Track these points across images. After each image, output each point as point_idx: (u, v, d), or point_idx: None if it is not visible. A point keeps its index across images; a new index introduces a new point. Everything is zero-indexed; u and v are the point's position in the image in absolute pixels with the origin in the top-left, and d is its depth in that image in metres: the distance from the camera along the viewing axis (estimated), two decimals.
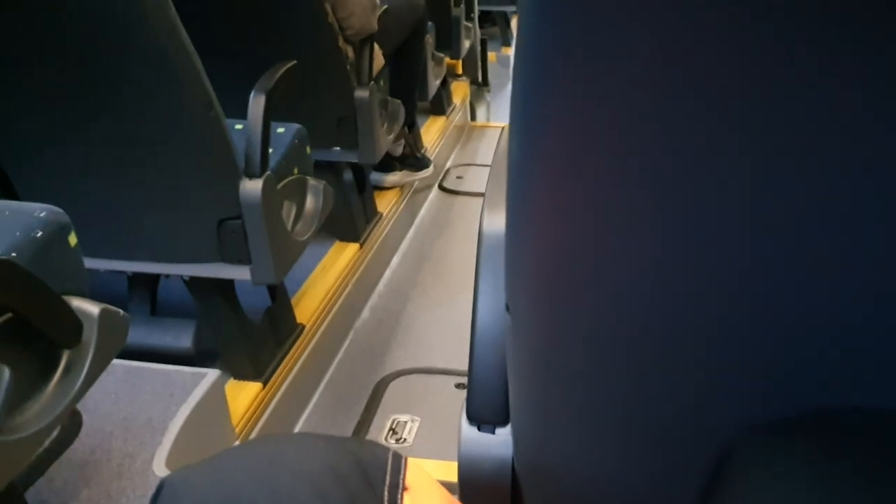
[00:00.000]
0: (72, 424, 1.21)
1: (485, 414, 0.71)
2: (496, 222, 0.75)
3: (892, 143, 0.37)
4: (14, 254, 0.87)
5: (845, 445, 0.45)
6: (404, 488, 0.49)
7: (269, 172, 1.43)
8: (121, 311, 1.00)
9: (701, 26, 0.36)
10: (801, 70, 0.36)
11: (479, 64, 3.84)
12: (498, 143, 0.92)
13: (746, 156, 0.39)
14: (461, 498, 0.71)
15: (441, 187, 2.98)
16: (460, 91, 3.57)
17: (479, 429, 0.71)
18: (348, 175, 2.24)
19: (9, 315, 0.85)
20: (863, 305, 0.43)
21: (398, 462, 0.50)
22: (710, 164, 0.40)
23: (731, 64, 0.37)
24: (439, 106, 3.24)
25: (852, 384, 0.45)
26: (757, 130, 0.38)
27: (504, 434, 0.69)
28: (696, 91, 0.38)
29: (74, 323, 0.92)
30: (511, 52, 4.49)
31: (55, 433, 0.94)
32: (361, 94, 2.02)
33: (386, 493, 0.48)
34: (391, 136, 2.27)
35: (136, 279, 1.66)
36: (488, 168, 0.89)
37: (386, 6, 2.14)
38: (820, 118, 0.37)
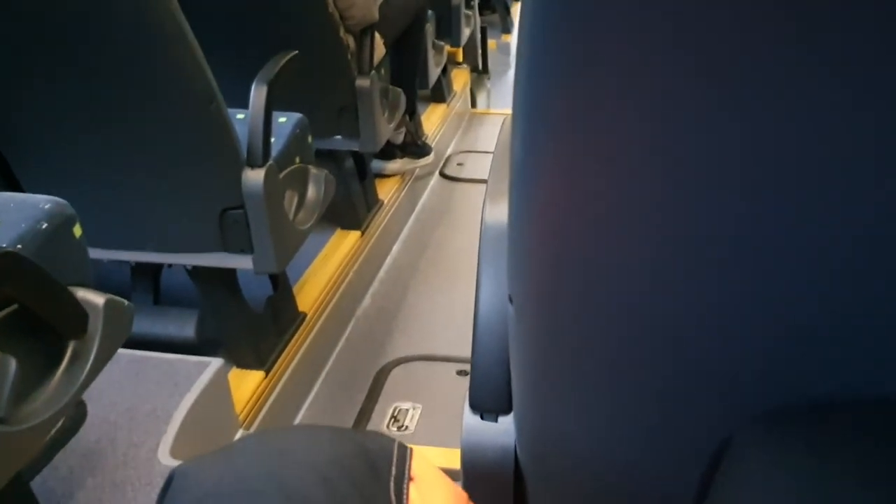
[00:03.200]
0: (76, 414, 1.22)
1: (487, 402, 0.71)
2: (498, 213, 0.76)
3: (893, 140, 0.37)
4: (20, 245, 0.88)
5: (844, 435, 0.46)
6: (410, 478, 0.49)
7: (271, 162, 1.43)
8: (125, 302, 1.00)
9: (707, 22, 0.36)
10: (802, 70, 0.36)
11: (480, 52, 3.83)
12: (500, 133, 0.92)
13: (747, 151, 0.39)
14: (464, 486, 0.72)
15: (442, 174, 2.98)
16: (461, 79, 3.56)
17: (481, 417, 0.71)
18: (349, 163, 2.24)
19: (15, 306, 0.86)
20: (862, 297, 0.43)
21: (404, 452, 0.51)
22: (711, 156, 0.40)
23: (735, 61, 0.37)
24: (440, 93, 3.24)
25: (853, 374, 0.46)
26: (758, 127, 0.38)
27: (507, 422, 0.70)
28: (699, 84, 0.38)
29: (80, 314, 0.93)
30: (511, 39, 4.48)
31: (60, 423, 0.95)
32: (362, 83, 2.02)
33: (392, 483, 0.49)
34: (392, 125, 2.27)
35: (139, 269, 1.66)
36: (489, 155, 0.89)
37: None
38: (820, 119, 0.37)
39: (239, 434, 1.52)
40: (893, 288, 0.42)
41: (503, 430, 0.70)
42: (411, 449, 0.52)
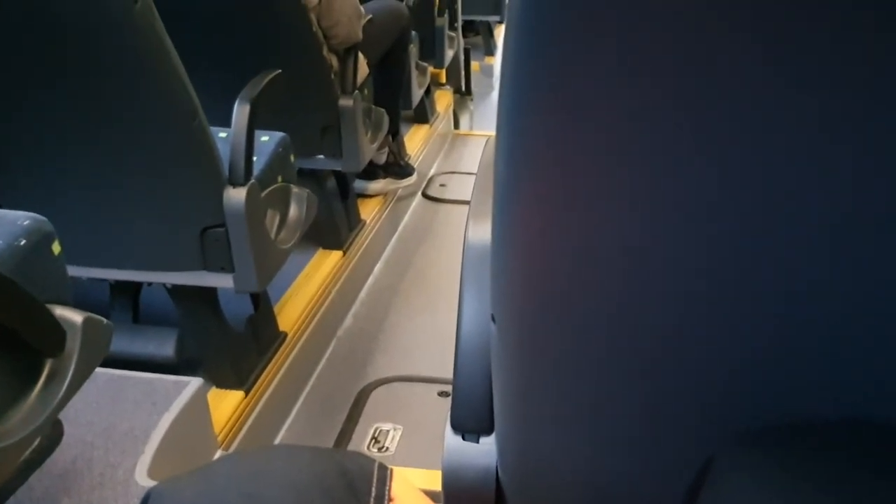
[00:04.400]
0: (52, 433, 1.20)
1: (469, 423, 0.71)
2: (481, 232, 0.76)
3: (886, 149, 0.37)
4: None
5: (821, 455, 0.46)
6: (390, 499, 0.49)
7: (253, 180, 1.43)
8: (104, 320, 0.99)
9: (687, 51, 0.37)
10: (791, 73, 0.36)
11: (463, 73, 3.86)
12: (483, 153, 0.93)
13: (721, 180, 0.40)
14: None
15: (424, 195, 2.99)
16: (444, 100, 3.58)
17: (463, 438, 0.71)
18: (332, 183, 2.24)
19: None
20: (834, 320, 0.44)
21: (384, 473, 0.50)
22: (689, 186, 0.41)
23: (713, 96, 0.37)
24: (423, 114, 3.25)
25: (839, 396, 0.46)
26: (731, 161, 0.39)
27: (488, 443, 0.70)
28: (677, 114, 0.39)
29: (58, 332, 0.92)
30: (494, 61, 4.51)
31: (36, 442, 0.93)
32: (346, 102, 2.03)
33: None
34: (375, 145, 2.28)
35: (118, 287, 1.65)
36: (471, 176, 0.89)
37: (370, 16, 2.14)
38: (809, 124, 0.37)
39: (218, 455, 1.50)
40: (865, 310, 0.42)
41: (485, 450, 0.70)
42: (391, 470, 0.51)
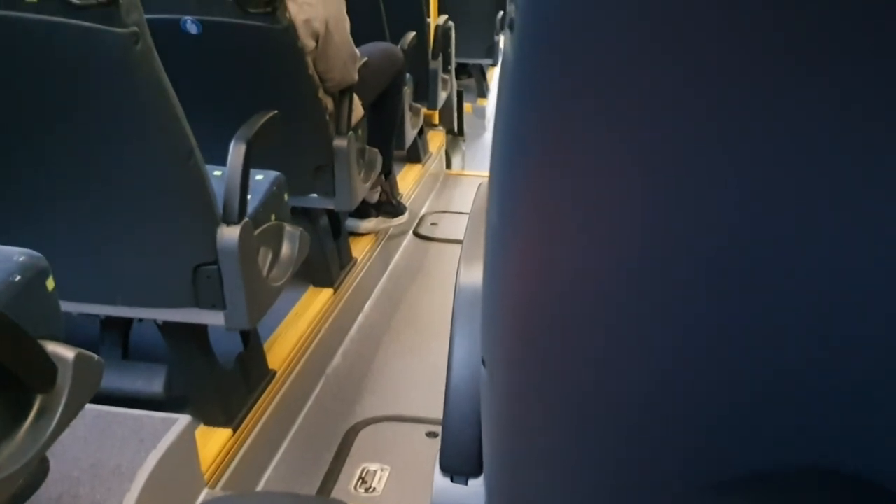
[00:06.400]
0: (39, 469, 1.20)
1: (458, 465, 0.72)
2: (472, 276, 0.77)
3: (882, 162, 0.38)
4: None
5: None
6: None
7: (246, 219, 1.44)
8: (95, 357, 0.99)
9: (672, 104, 0.38)
10: (787, 79, 0.37)
11: (456, 114, 3.91)
12: (475, 198, 0.95)
13: (716, 225, 0.41)
14: None
15: (416, 233, 3.00)
16: (436, 140, 3.62)
17: (452, 479, 0.72)
18: (324, 221, 2.25)
19: None
20: (823, 370, 0.45)
21: None
22: (677, 231, 0.42)
23: (702, 134, 0.39)
24: (416, 154, 3.29)
25: (809, 446, 0.47)
26: (727, 199, 0.40)
27: (477, 485, 0.70)
28: (664, 159, 0.40)
29: (49, 368, 0.92)
30: (486, 103, 4.57)
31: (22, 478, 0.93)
32: (340, 143, 2.05)
33: None
34: (368, 184, 2.30)
35: (108, 322, 1.65)
36: (462, 215, 0.91)
37: (366, 58, 2.18)
38: (804, 137, 0.38)
39: (204, 493, 1.49)
40: (848, 357, 0.44)
41: (473, 492, 0.70)
42: None
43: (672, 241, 0.42)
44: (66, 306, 1.42)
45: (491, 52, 4.49)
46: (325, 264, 2.23)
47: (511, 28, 0.39)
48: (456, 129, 3.95)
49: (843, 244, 0.40)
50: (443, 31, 3.37)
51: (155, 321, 1.55)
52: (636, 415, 0.50)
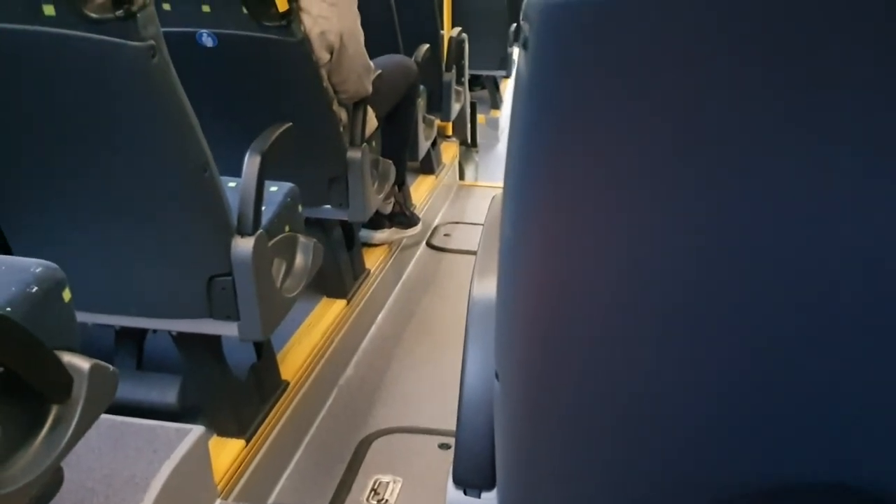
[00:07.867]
0: (53, 479, 1.20)
1: (471, 477, 0.71)
2: (486, 289, 0.77)
3: (881, 193, 0.38)
4: (8, 308, 0.88)
5: None
6: None
7: (261, 230, 1.45)
8: (110, 367, 1.00)
9: (688, 106, 0.38)
10: (786, 123, 0.37)
11: (469, 126, 3.92)
12: (489, 211, 0.95)
13: (723, 238, 0.41)
14: None
15: (429, 244, 3.01)
16: (450, 152, 3.63)
17: (465, 492, 0.72)
18: (337, 232, 2.26)
19: (0, 370, 0.85)
20: (850, 386, 0.44)
21: None
22: (689, 245, 0.42)
23: (712, 140, 0.39)
24: (429, 165, 3.29)
25: (819, 461, 0.47)
26: (731, 219, 0.40)
27: (490, 498, 0.70)
28: (675, 170, 0.40)
29: (65, 378, 0.93)
30: (499, 114, 4.57)
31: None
32: (354, 154, 2.06)
33: None
34: (381, 195, 2.31)
35: (123, 333, 1.66)
36: (475, 226, 0.91)
37: (380, 70, 2.19)
38: (802, 173, 0.38)
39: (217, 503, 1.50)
40: (853, 370, 0.43)
41: None
42: None
43: (689, 255, 0.42)
44: (82, 317, 1.43)
45: (504, 63, 4.51)
46: (338, 275, 2.24)
47: (525, 46, 0.40)
48: (469, 140, 3.96)
49: (848, 253, 0.40)
50: (456, 43, 3.38)
51: (169, 332, 1.56)
52: (654, 428, 0.49)
